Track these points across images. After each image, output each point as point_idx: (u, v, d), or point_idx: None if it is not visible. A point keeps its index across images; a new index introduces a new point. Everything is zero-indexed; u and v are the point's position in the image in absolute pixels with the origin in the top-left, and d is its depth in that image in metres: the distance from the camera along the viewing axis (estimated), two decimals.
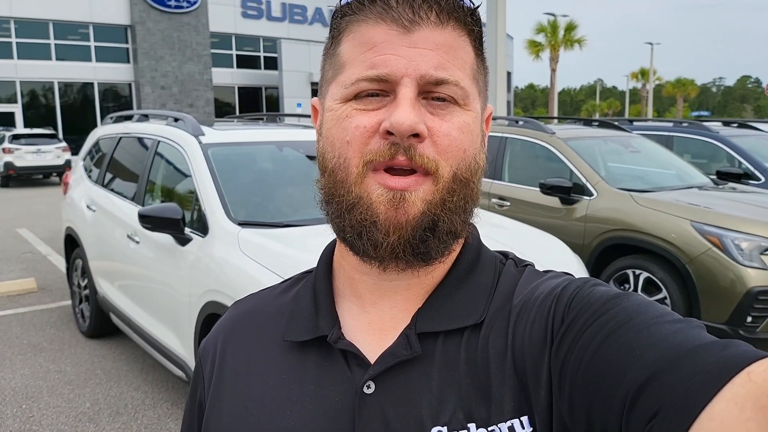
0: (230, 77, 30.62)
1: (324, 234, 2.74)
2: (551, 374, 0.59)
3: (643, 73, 54.25)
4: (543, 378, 0.59)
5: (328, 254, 0.75)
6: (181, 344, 3.34)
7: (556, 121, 7.89)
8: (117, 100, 26.87)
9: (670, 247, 4.41)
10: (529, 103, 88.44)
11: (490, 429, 0.59)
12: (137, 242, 3.79)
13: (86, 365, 4.41)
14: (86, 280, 4.83)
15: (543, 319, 0.61)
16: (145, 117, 4.85)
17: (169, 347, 3.49)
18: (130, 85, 26.80)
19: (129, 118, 5.08)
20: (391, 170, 0.61)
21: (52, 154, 17.92)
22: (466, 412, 0.60)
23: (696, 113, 67.81)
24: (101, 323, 4.75)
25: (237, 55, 31.04)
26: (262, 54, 31.92)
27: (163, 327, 3.55)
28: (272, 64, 31.60)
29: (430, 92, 0.61)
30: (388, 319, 0.67)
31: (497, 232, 3.38)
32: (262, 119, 6.14)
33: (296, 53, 30.95)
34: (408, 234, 0.61)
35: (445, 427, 0.59)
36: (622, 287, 4.72)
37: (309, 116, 4.20)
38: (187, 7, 26.71)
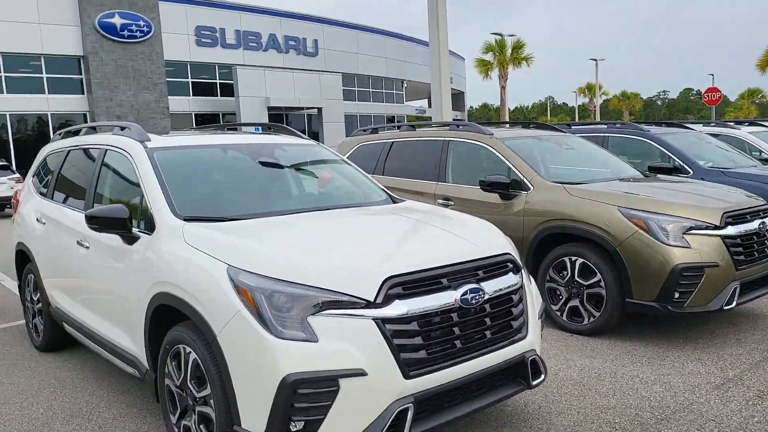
0: (187, 104, 30.60)
1: (269, 226, 2.95)
2: None
3: (590, 88, 56.13)
4: None
5: None
6: (132, 340, 3.44)
7: (508, 125, 8.23)
8: None
9: (600, 232, 4.69)
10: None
11: None
12: (87, 247, 3.88)
13: (40, 377, 4.43)
14: (38, 294, 4.86)
15: None
16: (92, 129, 4.96)
17: (120, 345, 3.57)
18: (85, 115, 26.54)
19: (77, 132, 5.18)
20: None
21: (6, 185, 17.58)
22: None
23: None
24: (55, 336, 4.78)
25: (193, 83, 31.08)
26: (218, 81, 32.03)
27: (113, 326, 3.64)
28: (228, 90, 31.70)
29: None
30: None
31: (434, 219, 3.57)
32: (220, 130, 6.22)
33: (252, 79, 31.11)
34: None
35: None
36: (560, 274, 4.97)
37: (266, 125, 4.30)
38: (140, 36, 26.70)
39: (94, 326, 3.89)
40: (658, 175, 6.16)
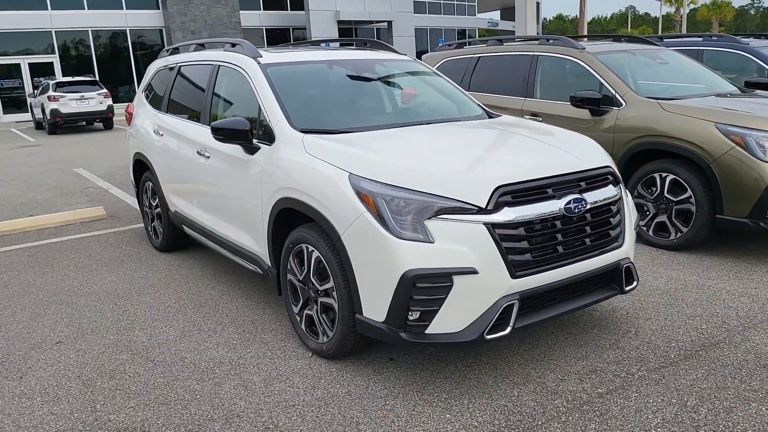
0: (258, 19, 30.63)
1: (380, 138, 3.27)
2: None
3: None
4: None
5: None
6: (255, 241, 3.83)
7: (586, 39, 7.98)
8: (150, 48, 27.23)
9: (695, 148, 4.70)
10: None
11: None
12: (207, 157, 4.25)
13: (165, 272, 4.98)
14: (156, 200, 5.36)
15: None
16: (201, 46, 5.24)
17: (243, 246, 3.98)
18: (161, 31, 27.10)
19: (185, 49, 5.48)
20: None
21: (95, 100, 18.53)
22: None
23: None
24: (174, 238, 5.30)
25: None
26: None
27: (236, 228, 4.04)
28: (298, 4, 31.44)
29: None
30: None
31: (535, 134, 3.72)
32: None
33: None
34: None
35: None
36: (649, 190, 5.04)
37: (362, 40, 4.47)
38: None
39: (216, 228, 4.32)
40: (757, 91, 5.98)
